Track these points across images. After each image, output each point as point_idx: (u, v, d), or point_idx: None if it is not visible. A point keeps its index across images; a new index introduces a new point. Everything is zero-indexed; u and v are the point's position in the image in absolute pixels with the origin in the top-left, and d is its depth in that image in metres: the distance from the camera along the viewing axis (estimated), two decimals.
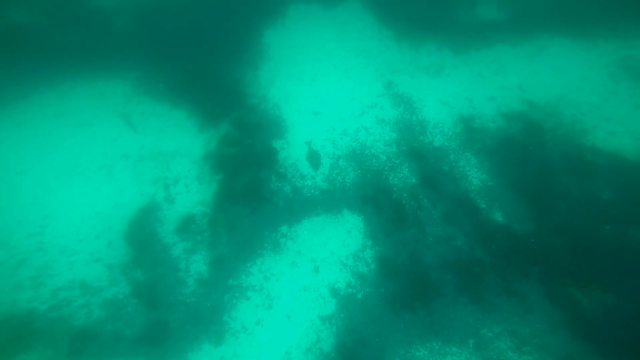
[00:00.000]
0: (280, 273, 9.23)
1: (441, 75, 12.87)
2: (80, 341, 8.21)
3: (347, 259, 9.44)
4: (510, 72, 12.80)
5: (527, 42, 13.59)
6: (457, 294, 8.79)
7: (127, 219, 9.85)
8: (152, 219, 9.86)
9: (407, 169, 10.81)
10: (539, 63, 12.98)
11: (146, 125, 11.64)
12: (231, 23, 13.98)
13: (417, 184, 10.50)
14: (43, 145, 10.95)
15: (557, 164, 10.49)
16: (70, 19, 13.45)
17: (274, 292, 8.97)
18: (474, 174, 10.60)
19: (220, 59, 13.18)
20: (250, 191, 10.37)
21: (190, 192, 10.35)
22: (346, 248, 9.59)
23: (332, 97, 12.41)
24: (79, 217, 9.79)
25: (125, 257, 9.27)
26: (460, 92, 12.37)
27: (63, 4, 13.95)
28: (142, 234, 9.62)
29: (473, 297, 8.70)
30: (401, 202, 10.20)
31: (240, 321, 8.58)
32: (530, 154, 10.75)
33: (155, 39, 13.55)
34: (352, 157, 11.08)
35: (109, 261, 9.20)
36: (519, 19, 14.22)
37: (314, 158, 10.96)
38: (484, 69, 12.89)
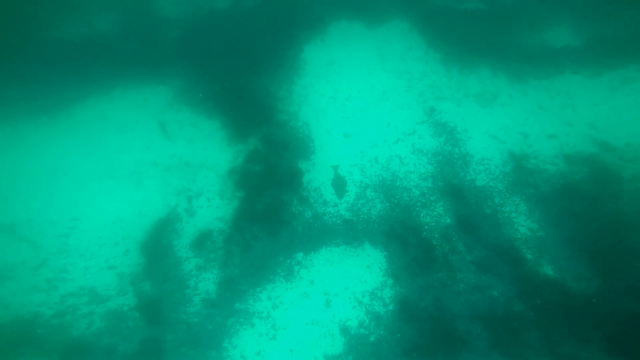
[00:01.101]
0: (289, 302, 9.57)
1: (493, 105, 12.56)
2: (73, 353, 8.99)
3: (363, 296, 9.54)
4: (580, 106, 12.17)
5: (607, 72, 12.87)
6: (488, 350, 8.54)
7: (147, 228, 10.80)
8: (169, 230, 10.73)
9: (442, 208, 10.71)
10: (622, 97, 12.18)
11: (179, 134, 12.71)
12: (273, 36, 14.96)
13: (451, 225, 10.37)
14: (86, 146, 12.33)
15: (636, 221, 9.73)
16: (135, 28, 15.37)
17: (280, 322, 9.30)
18: (522, 222, 10.22)
19: (258, 72, 14.01)
20: (271, 212, 10.93)
21: (211, 207, 11.13)
22: (363, 284, 9.71)
23: (366, 120, 12.62)
24: (103, 222, 10.91)
25: (137, 267, 10.16)
26: (514, 126, 12.00)
27: (139, 14, 15.97)
28: (157, 245, 10.50)
29: (509, 356, 8.34)
30: (431, 242, 10.13)
31: (240, 349, 8.99)
32: (598, 208, 10.06)
33: (200, 48, 14.93)
34: (381, 188, 11.22)
35: (121, 270, 10.13)
36: (598, 46, 13.54)
37: (339, 184, 11.28)
38: (547, 101, 12.40)
